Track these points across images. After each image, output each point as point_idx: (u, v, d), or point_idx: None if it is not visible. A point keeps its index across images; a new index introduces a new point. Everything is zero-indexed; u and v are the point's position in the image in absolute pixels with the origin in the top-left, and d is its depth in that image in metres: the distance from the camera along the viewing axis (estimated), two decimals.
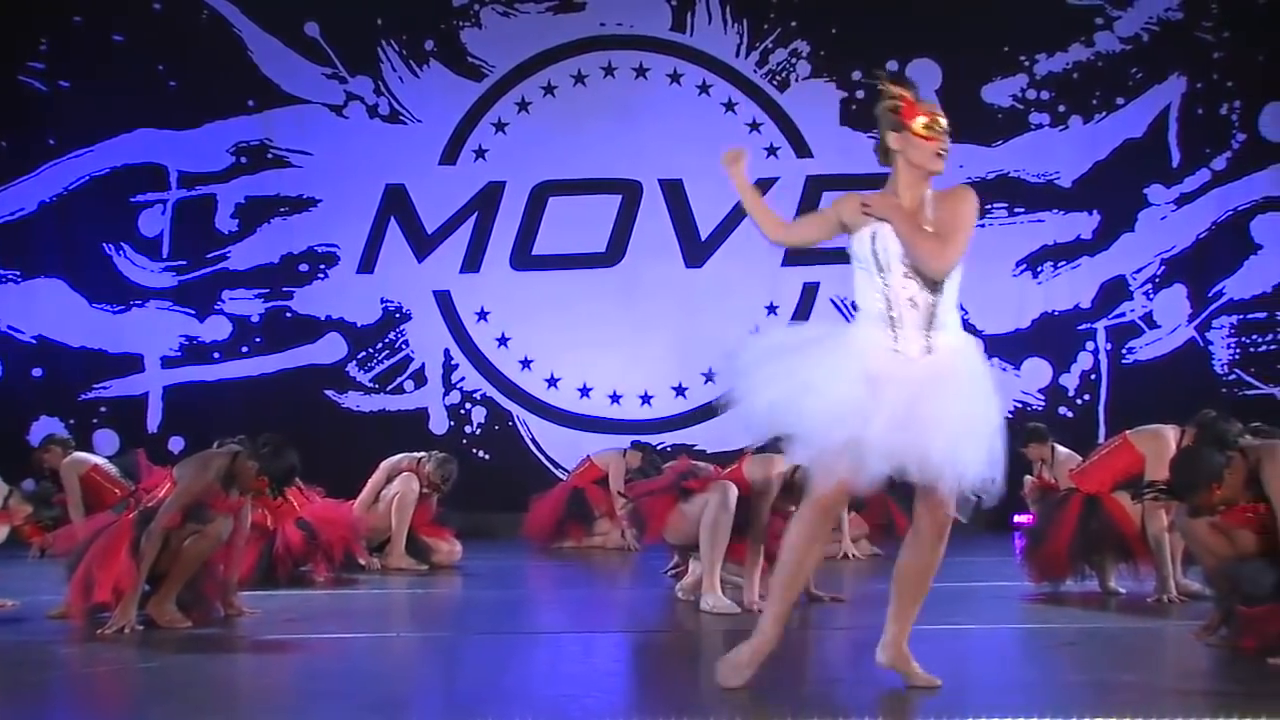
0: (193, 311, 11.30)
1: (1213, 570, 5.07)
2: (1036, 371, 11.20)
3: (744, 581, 6.10)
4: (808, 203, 11.29)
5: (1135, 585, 6.63)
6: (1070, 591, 6.70)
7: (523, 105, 11.38)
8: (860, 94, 11.23)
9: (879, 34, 11.17)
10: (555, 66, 11.35)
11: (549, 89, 11.38)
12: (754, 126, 11.33)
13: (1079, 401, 11.18)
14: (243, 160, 11.30)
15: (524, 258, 11.38)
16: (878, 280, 4.35)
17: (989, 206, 11.23)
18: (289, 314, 11.30)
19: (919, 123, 4.25)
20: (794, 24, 11.29)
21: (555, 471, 10.92)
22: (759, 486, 6.08)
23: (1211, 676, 4.76)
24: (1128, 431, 6.81)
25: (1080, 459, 7.38)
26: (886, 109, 4.30)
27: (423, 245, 11.38)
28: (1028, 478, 8.57)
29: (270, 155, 11.31)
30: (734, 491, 6.08)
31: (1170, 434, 6.45)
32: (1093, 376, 11.22)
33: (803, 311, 11.24)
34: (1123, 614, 6.20)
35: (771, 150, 11.33)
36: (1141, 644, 5.43)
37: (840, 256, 12.17)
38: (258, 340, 11.31)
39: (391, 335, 11.34)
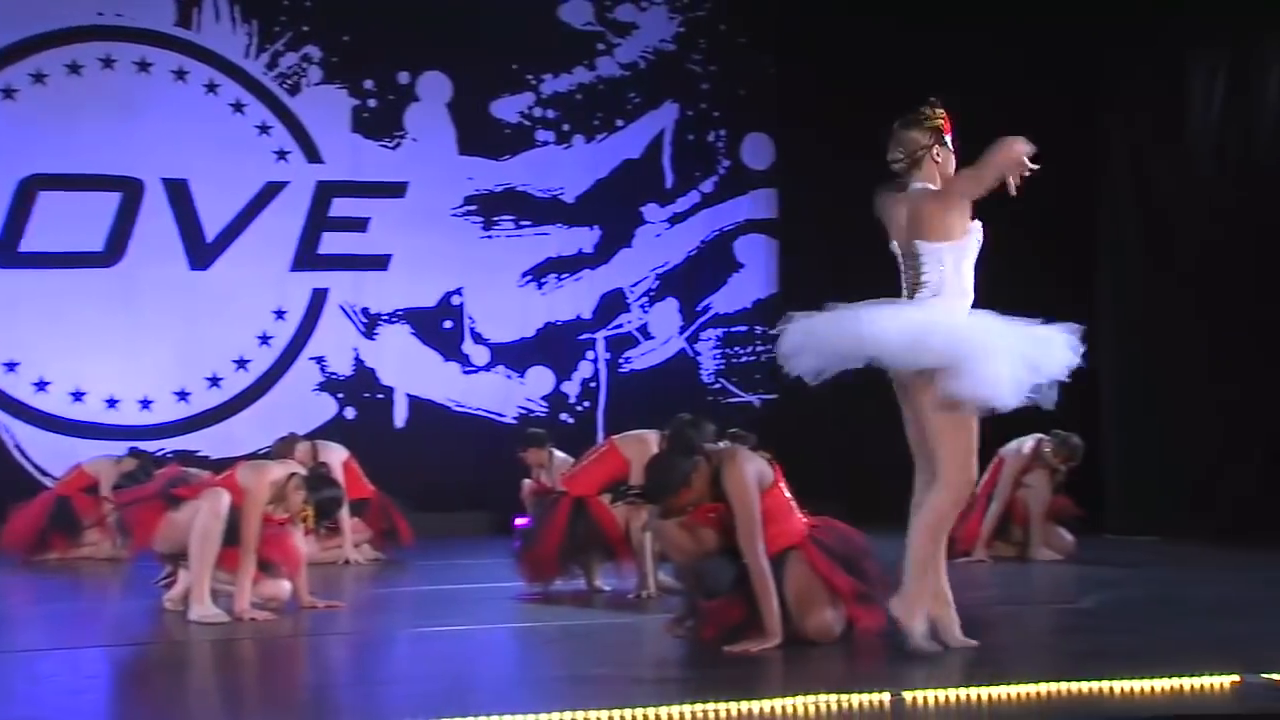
0: None
1: (680, 567, 5.41)
2: (540, 379, 11.55)
3: (234, 589, 5.97)
4: (318, 209, 11.17)
5: (619, 583, 6.97)
6: (561, 590, 6.94)
7: (8, 93, 10.60)
8: (372, 102, 11.24)
9: (392, 44, 11.21)
10: (46, 54, 10.61)
11: (39, 77, 10.64)
12: (263, 129, 11.07)
13: (579, 408, 11.62)
14: None
15: (10, 254, 10.60)
16: (966, 266, 4.95)
17: (496, 219, 11.51)
18: None
19: (949, 139, 5.05)
20: (305, 28, 11.12)
21: (45, 480, 10.24)
22: (252, 493, 5.96)
23: (677, 665, 5.09)
24: (614, 437, 7.14)
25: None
26: (933, 126, 5.01)
27: None
28: (526, 481, 8.84)
29: None
30: (226, 498, 5.93)
31: (652, 439, 6.82)
32: (592, 384, 11.69)
33: (311, 317, 11.11)
34: (605, 610, 6.51)
35: (281, 154, 11.11)
36: (619, 638, 5.72)
37: (349, 264, 12.10)
38: None
39: None
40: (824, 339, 4.88)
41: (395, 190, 11.30)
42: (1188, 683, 4.20)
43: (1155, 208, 10.40)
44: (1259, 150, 9.97)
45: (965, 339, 4.81)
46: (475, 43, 11.30)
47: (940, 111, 5.06)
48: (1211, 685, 4.19)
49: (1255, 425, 9.71)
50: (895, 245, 5.02)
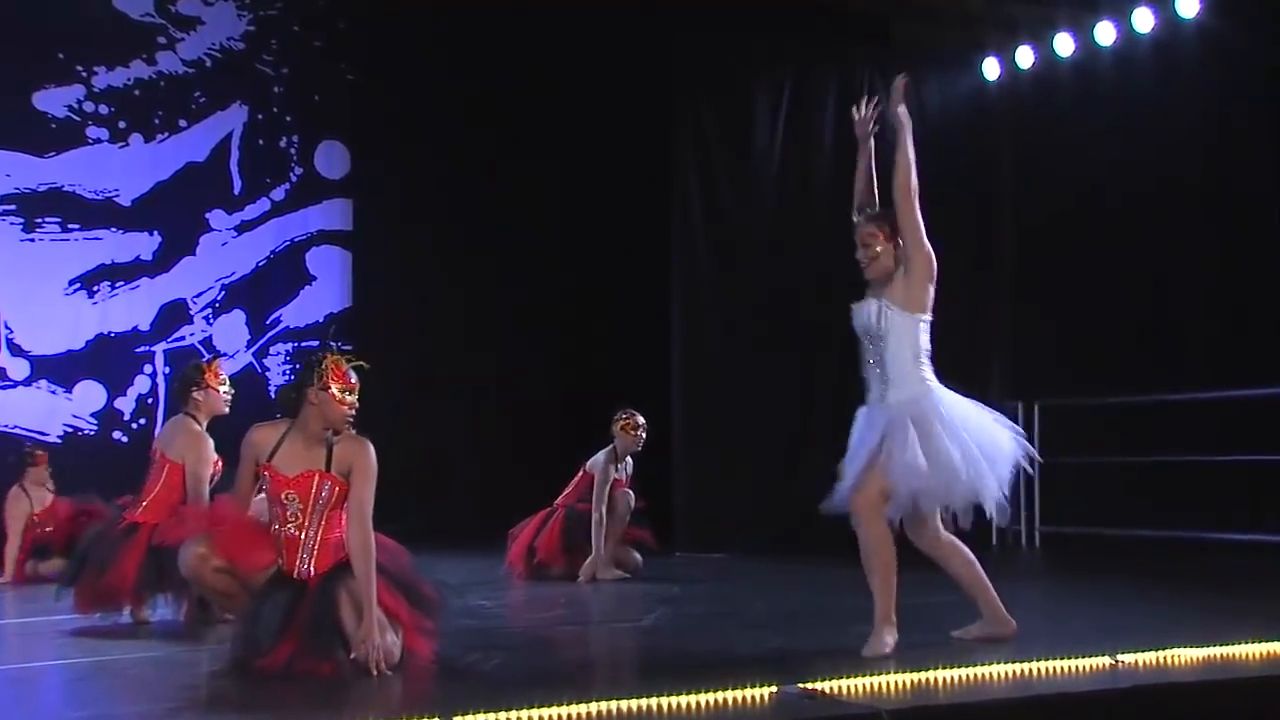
0: None
1: (234, 612, 5.31)
2: (90, 395, 10.96)
3: None
4: None
5: (167, 614, 6.67)
6: (99, 624, 6.56)
7: None
8: None
9: None
10: None
11: None
12: None
13: (135, 426, 11.09)
14: None
15: None
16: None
17: (39, 220, 10.84)
18: None
19: None
20: None
21: None
22: None
23: (222, 698, 4.91)
24: (161, 452, 6.84)
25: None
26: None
27: None
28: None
29: None
30: None
31: (194, 431, 6.76)
32: (150, 401, 11.19)
33: None
34: (152, 642, 6.20)
35: None
36: (162, 672, 5.44)
37: None
38: None
39: None
40: None
41: None
42: (731, 695, 4.41)
43: (724, 240, 10.93)
44: (819, 182, 10.73)
45: None
46: (14, 26, 10.62)
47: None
48: (752, 696, 4.42)
49: (811, 444, 10.42)
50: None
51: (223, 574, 5.21)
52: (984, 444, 5.31)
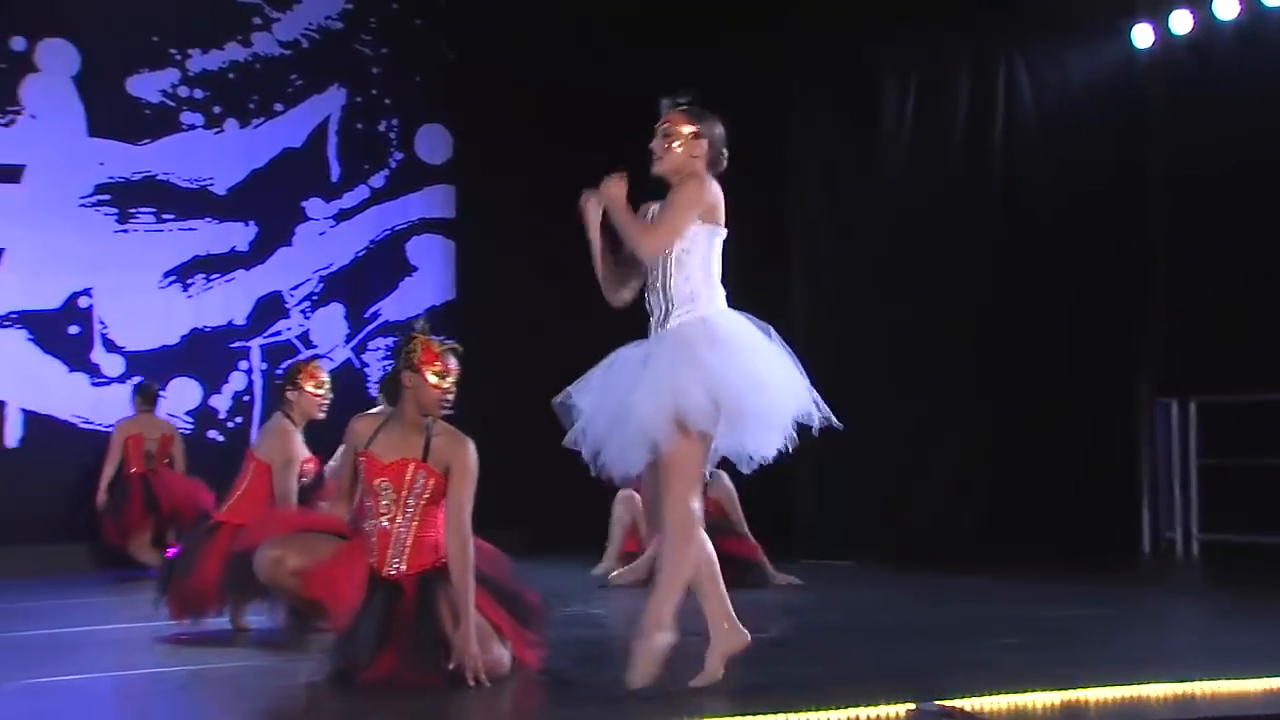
0: None
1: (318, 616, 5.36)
2: (185, 392, 11.15)
3: None
4: None
5: (268, 621, 6.74)
6: (198, 631, 6.66)
7: None
8: None
9: (2, 3, 10.61)
10: None
11: None
12: None
13: (231, 425, 11.27)
14: None
15: None
16: None
17: (133, 211, 11.05)
18: None
19: None
20: None
21: None
22: None
23: (321, 710, 4.96)
24: (250, 449, 6.98)
25: None
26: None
27: None
28: None
29: None
30: None
31: (287, 427, 6.95)
32: (245, 398, 11.36)
33: None
34: (251, 651, 6.28)
35: None
36: (262, 682, 5.51)
37: None
38: None
39: None
40: None
41: (9, 175, 10.69)
42: (864, 712, 4.35)
43: (847, 224, 10.79)
44: (951, 164, 10.59)
45: None
46: (108, 9, 10.85)
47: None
48: (887, 714, 4.35)
49: (942, 444, 10.30)
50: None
51: (300, 577, 5.26)
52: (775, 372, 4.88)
